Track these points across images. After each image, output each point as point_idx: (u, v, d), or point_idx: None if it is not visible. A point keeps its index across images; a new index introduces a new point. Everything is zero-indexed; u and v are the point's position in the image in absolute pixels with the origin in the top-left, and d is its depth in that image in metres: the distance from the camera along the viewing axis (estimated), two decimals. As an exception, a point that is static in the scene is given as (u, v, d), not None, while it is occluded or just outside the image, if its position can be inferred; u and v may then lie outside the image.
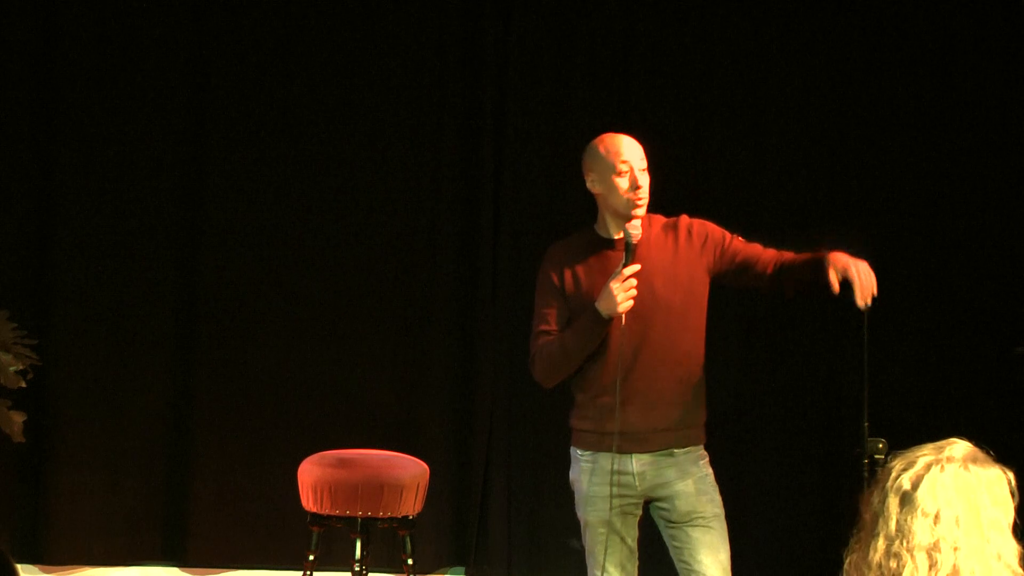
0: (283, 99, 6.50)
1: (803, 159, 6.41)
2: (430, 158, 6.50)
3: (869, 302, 4.36)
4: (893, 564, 2.52)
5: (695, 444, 4.66)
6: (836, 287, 4.40)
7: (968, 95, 6.36)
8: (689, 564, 4.58)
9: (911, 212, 6.37)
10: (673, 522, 4.61)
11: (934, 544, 2.53)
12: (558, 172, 6.44)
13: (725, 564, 4.60)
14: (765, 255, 4.63)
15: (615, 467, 4.58)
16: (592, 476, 4.60)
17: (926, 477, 2.57)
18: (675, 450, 4.61)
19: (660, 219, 4.69)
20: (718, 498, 4.65)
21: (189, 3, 6.50)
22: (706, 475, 4.65)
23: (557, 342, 4.58)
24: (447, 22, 6.50)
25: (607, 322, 4.49)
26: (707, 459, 4.68)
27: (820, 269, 4.45)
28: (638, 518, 4.65)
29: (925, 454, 2.61)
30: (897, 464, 2.61)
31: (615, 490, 4.59)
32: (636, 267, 4.49)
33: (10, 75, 6.46)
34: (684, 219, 4.69)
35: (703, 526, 4.59)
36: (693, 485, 4.61)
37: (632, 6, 6.46)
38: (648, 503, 4.66)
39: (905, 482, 2.58)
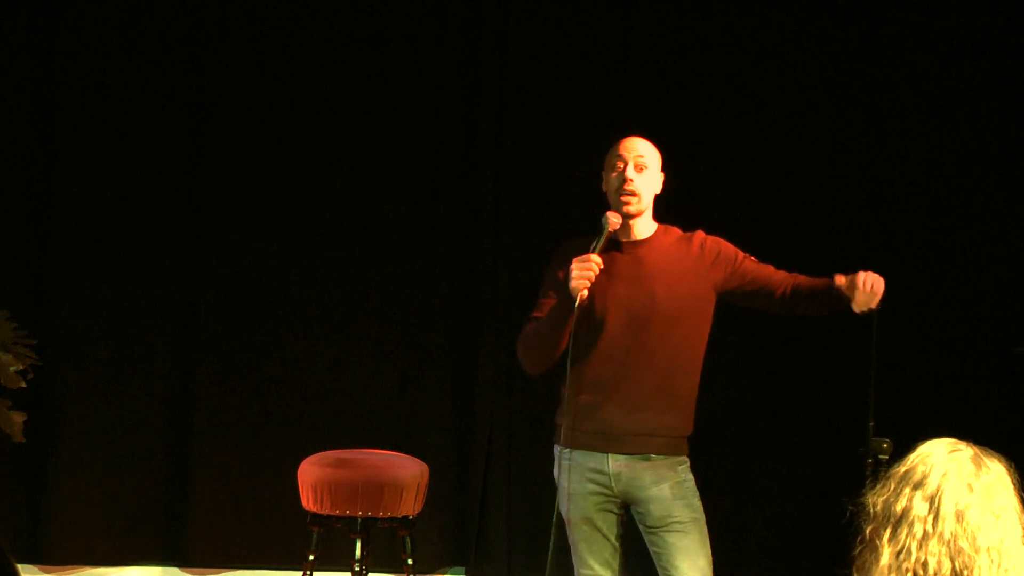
0: (283, 99, 6.50)
1: (804, 160, 6.41)
2: (430, 157, 6.51)
3: (865, 310, 4.39)
4: (906, 564, 2.52)
5: (674, 454, 4.63)
6: (843, 283, 4.41)
7: (968, 95, 6.36)
8: (667, 570, 4.58)
9: (912, 212, 6.37)
10: (650, 527, 4.61)
11: (951, 542, 2.53)
12: (558, 172, 6.44)
13: (705, 570, 4.58)
14: (776, 277, 4.63)
15: (591, 464, 4.59)
16: (570, 473, 4.59)
17: (939, 475, 2.58)
18: (652, 455, 4.60)
19: (676, 231, 4.70)
20: (696, 503, 4.63)
21: (189, 3, 6.50)
22: (684, 480, 4.63)
23: (534, 325, 4.58)
24: (447, 22, 6.50)
25: (570, 301, 4.45)
26: (687, 465, 4.66)
27: (839, 295, 4.47)
28: (620, 516, 4.64)
29: (934, 454, 2.61)
30: (907, 464, 2.61)
31: (593, 487, 4.59)
32: (597, 259, 4.47)
33: (10, 75, 6.46)
34: (699, 234, 4.69)
35: (679, 531, 4.58)
36: (669, 490, 4.59)
37: (632, 6, 6.46)
38: (628, 507, 4.66)
39: (929, 484, 2.57)
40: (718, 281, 4.63)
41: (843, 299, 4.48)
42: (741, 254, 4.66)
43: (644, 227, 4.65)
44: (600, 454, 4.59)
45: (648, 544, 4.63)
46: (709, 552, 4.61)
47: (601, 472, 4.59)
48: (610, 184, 4.63)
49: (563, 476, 4.62)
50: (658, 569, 4.62)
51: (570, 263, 4.59)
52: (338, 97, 6.50)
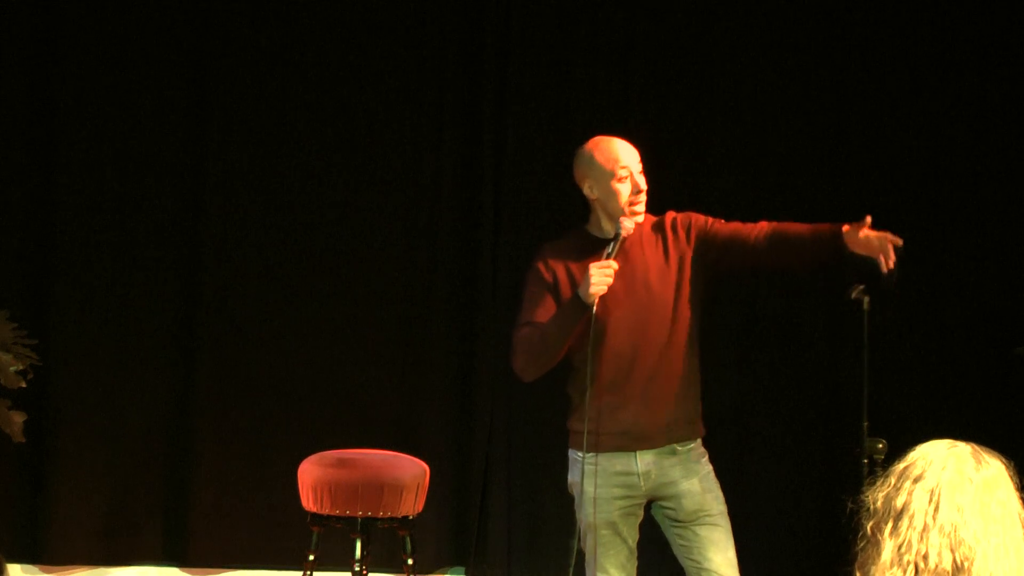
0: (283, 99, 6.49)
1: (804, 159, 6.41)
2: (430, 158, 6.51)
3: (892, 266, 4.40)
4: (908, 557, 2.52)
5: (695, 437, 4.67)
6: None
7: (968, 95, 6.36)
8: (699, 563, 4.58)
9: (911, 212, 6.37)
10: (680, 521, 4.61)
11: (952, 534, 2.53)
12: (558, 172, 6.42)
13: (733, 561, 4.61)
14: (752, 227, 4.63)
15: (618, 467, 4.59)
16: (594, 478, 4.59)
17: (939, 468, 2.58)
18: (677, 447, 4.62)
19: (650, 218, 4.70)
20: (721, 495, 4.66)
21: (189, 3, 6.50)
22: (708, 472, 4.67)
23: (538, 331, 4.57)
24: (447, 21, 6.50)
25: (584, 307, 4.46)
26: (707, 456, 4.69)
27: (837, 242, 4.47)
28: (639, 519, 4.65)
29: (934, 450, 2.62)
30: (907, 461, 2.62)
31: (620, 491, 4.59)
32: (615, 264, 4.48)
33: (10, 75, 6.46)
34: (669, 215, 4.71)
35: (710, 524, 4.60)
36: (699, 483, 4.62)
37: (632, 6, 6.46)
38: (650, 503, 4.66)
39: (929, 478, 2.58)
40: (698, 252, 4.63)
41: (837, 246, 4.48)
42: (711, 219, 4.67)
43: (629, 222, 4.65)
44: (627, 454, 4.59)
45: (673, 537, 4.64)
46: (733, 543, 4.63)
47: (629, 473, 4.59)
48: (618, 194, 4.60)
49: (586, 481, 4.59)
50: (684, 561, 4.62)
51: (559, 264, 4.62)
52: (338, 97, 6.49)
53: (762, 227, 4.63)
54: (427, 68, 6.50)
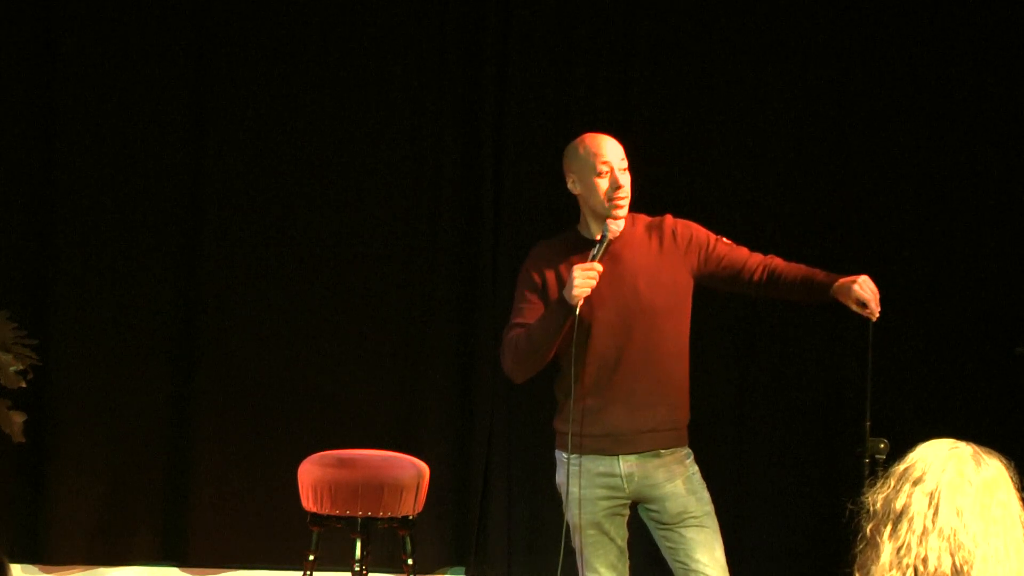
0: (283, 99, 6.50)
1: (803, 159, 6.41)
2: (430, 158, 6.51)
3: (870, 313, 4.44)
4: (907, 560, 2.52)
5: (680, 445, 4.65)
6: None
7: (968, 95, 6.36)
8: (687, 564, 4.57)
9: (911, 212, 6.38)
10: (664, 523, 4.60)
11: (951, 537, 2.53)
12: (558, 172, 6.42)
13: (722, 561, 4.59)
14: (751, 261, 4.63)
15: (601, 468, 4.58)
16: (578, 478, 4.58)
17: (939, 471, 2.58)
18: (661, 451, 4.61)
19: (644, 219, 4.68)
20: (707, 495, 4.64)
21: (189, 3, 6.50)
22: (693, 473, 4.65)
23: (525, 333, 4.57)
24: (447, 22, 6.50)
25: (569, 309, 4.46)
26: (692, 457, 4.67)
27: (821, 292, 4.51)
28: (626, 518, 4.65)
29: (934, 451, 2.62)
30: (907, 462, 2.62)
31: (603, 492, 4.58)
32: (599, 267, 4.47)
33: (10, 75, 6.46)
34: (669, 219, 4.68)
35: (696, 525, 4.58)
36: (682, 485, 4.60)
37: (632, 6, 6.46)
38: (636, 505, 4.65)
39: (929, 480, 2.58)
40: (693, 266, 4.62)
41: (827, 296, 4.50)
42: (713, 237, 4.66)
43: (616, 224, 4.64)
44: (610, 457, 4.58)
45: (660, 539, 4.63)
46: (721, 542, 4.62)
47: (612, 475, 4.58)
48: (597, 188, 4.58)
49: (570, 482, 4.59)
50: (672, 563, 4.61)
51: (548, 266, 4.61)
52: (338, 98, 6.50)
53: (757, 261, 4.63)
54: (427, 68, 6.50)
